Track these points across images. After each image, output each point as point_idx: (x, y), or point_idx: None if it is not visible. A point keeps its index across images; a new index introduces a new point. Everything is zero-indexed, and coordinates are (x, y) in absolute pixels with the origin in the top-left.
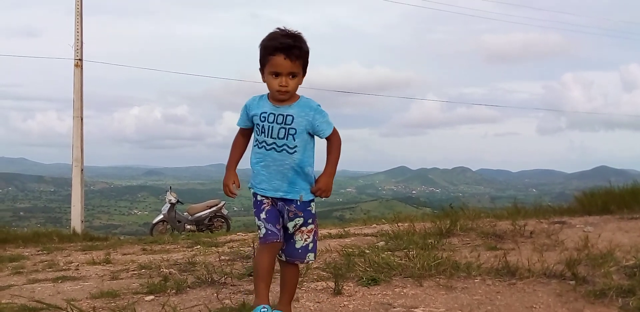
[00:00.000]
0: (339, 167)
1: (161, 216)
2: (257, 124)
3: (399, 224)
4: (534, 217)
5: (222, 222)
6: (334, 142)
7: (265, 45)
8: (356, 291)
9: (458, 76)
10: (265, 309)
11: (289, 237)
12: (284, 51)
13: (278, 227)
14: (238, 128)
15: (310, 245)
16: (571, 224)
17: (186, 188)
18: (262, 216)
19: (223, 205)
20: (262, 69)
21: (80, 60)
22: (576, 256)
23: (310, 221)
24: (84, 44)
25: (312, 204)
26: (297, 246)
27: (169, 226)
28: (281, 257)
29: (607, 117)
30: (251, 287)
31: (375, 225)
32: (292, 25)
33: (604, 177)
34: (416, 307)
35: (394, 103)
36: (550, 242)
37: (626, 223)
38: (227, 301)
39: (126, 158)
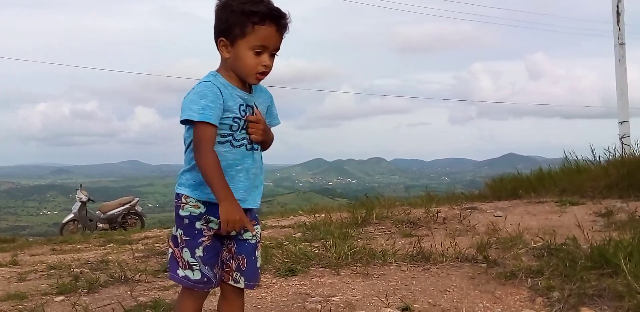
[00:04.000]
0: None
1: (72, 215)
2: (234, 118)
3: (316, 215)
4: (446, 204)
5: (136, 219)
6: (272, 134)
7: (246, 10)
8: (274, 283)
9: (372, 68)
10: None
11: (249, 253)
12: (276, 21)
13: (216, 270)
14: (205, 127)
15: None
16: (482, 209)
17: (98, 186)
18: (198, 253)
19: (137, 202)
20: (231, 40)
21: None
22: (487, 240)
23: None
24: None
25: None
26: (259, 264)
27: (80, 225)
28: (238, 283)
29: (515, 106)
30: (166, 283)
31: (292, 217)
32: (202, 18)
33: (512, 164)
34: (334, 296)
35: (308, 95)
36: (462, 228)
37: (534, 207)
38: (141, 299)
39: (33, 156)
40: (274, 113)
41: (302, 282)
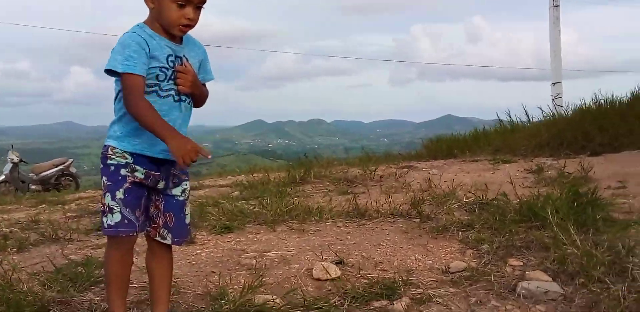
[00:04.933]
0: (193, 122)
1: (2, 177)
2: (160, 68)
3: (254, 174)
4: (384, 164)
5: (70, 180)
6: (207, 90)
7: None
8: (209, 240)
9: (314, 29)
10: None
11: (177, 210)
12: None
13: (138, 214)
14: (130, 76)
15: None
16: (418, 167)
17: (31, 147)
18: (119, 195)
19: (71, 163)
20: None
21: None
22: (421, 196)
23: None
24: None
25: None
26: (188, 220)
27: (12, 187)
28: (165, 239)
29: (453, 68)
30: (99, 241)
31: (230, 177)
32: None
33: (450, 126)
34: (269, 251)
35: (250, 56)
36: (398, 185)
37: (468, 165)
38: (73, 257)
39: None
40: (208, 68)
41: (237, 239)
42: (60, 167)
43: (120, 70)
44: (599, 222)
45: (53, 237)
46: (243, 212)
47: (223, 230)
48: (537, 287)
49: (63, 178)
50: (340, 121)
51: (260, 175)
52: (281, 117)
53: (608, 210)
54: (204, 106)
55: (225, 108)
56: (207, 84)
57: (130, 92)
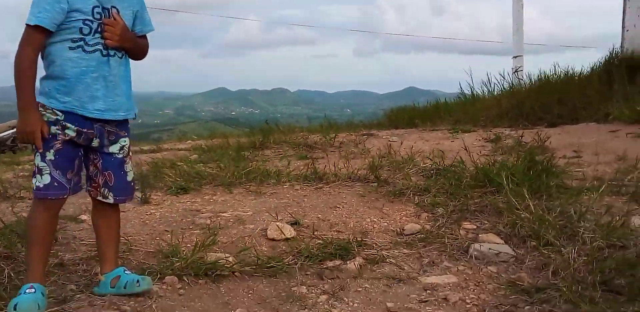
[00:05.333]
0: (154, 88)
1: None
2: (84, 21)
3: (214, 139)
4: (345, 132)
5: None
6: (145, 42)
7: None
8: (164, 200)
9: None
10: (33, 291)
11: (116, 168)
12: None
13: (70, 176)
14: (31, 30)
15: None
16: (378, 135)
17: None
18: (49, 156)
19: None
20: None
21: None
22: (379, 162)
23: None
24: None
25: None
26: (129, 178)
27: None
28: (107, 198)
29: (417, 41)
30: None
31: (190, 141)
32: None
33: (413, 97)
34: (224, 212)
35: (214, 23)
36: (357, 151)
37: (428, 134)
38: (23, 214)
39: None
40: (146, 19)
41: (193, 200)
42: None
43: (31, 23)
44: (552, 188)
45: (4, 195)
46: (200, 174)
47: (179, 191)
48: (490, 249)
49: None
50: (304, 91)
51: (220, 140)
52: (244, 85)
53: (562, 177)
54: (165, 72)
55: (187, 75)
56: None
57: (21, 46)
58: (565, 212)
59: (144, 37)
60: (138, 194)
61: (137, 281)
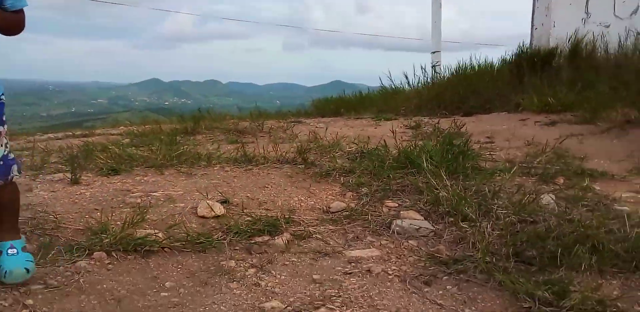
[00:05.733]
0: (88, 78)
1: None
2: None
3: (147, 126)
4: (274, 119)
5: None
6: (18, 17)
7: None
8: (95, 180)
9: None
10: None
11: None
12: None
13: None
14: None
15: (11, 154)
16: (306, 123)
17: None
18: None
19: None
20: None
21: None
22: (307, 146)
23: (4, 118)
24: None
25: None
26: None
27: None
28: None
29: (344, 37)
30: None
31: (122, 127)
32: None
33: (339, 90)
34: (155, 192)
35: (148, 15)
36: (286, 136)
37: (353, 122)
38: None
39: None
40: None
41: (124, 181)
42: None
43: None
44: (468, 170)
45: None
46: (132, 156)
47: (110, 172)
48: (410, 224)
49: None
50: (235, 83)
51: (153, 126)
52: (177, 77)
53: (477, 160)
54: (98, 63)
55: (121, 66)
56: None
57: None
58: (480, 191)
59: (18, 12)
60: (69, 176)
61: (6, 272)
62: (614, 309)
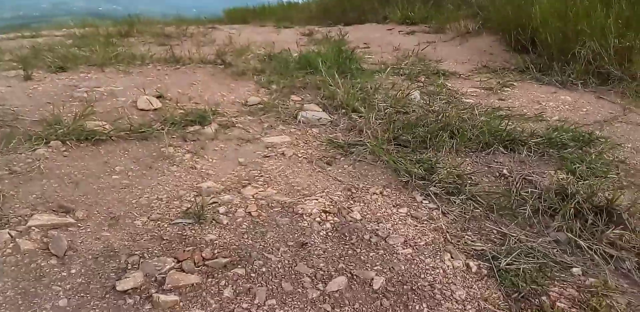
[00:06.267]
0: None
1: None
2: None
3: (87, 28)
4: (194, 25)
5: None
6: None
7: None
8: (45, 77)
9: None
10: None
11: None
12: None
13: None
14: None
15: None
16: (220, 29)
17: None
18: None
19: None
20: None
21: None
22: (224, 49)
23: None
24: None
25: None
26: None
27: None
28: None
29: None
30: None
31: (65, 29)
32: None
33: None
34: (99, 87)
35: None
36: (205, 40)
37: (258, 29)
38: None
39: None
40: None
41: (71, 77)
42: None
43: None
44: (354, 70)
45: None
46: (75, 56)
47: (57, 69)
48: (313, 115)
49: None
50: None
51: (92, 29)
52: None
53: (360, 62)
54: None
55: None
56: None
57: None
58: (364, 88)
59: None
60: (22, 72)
61: None
62: (469, 181)
